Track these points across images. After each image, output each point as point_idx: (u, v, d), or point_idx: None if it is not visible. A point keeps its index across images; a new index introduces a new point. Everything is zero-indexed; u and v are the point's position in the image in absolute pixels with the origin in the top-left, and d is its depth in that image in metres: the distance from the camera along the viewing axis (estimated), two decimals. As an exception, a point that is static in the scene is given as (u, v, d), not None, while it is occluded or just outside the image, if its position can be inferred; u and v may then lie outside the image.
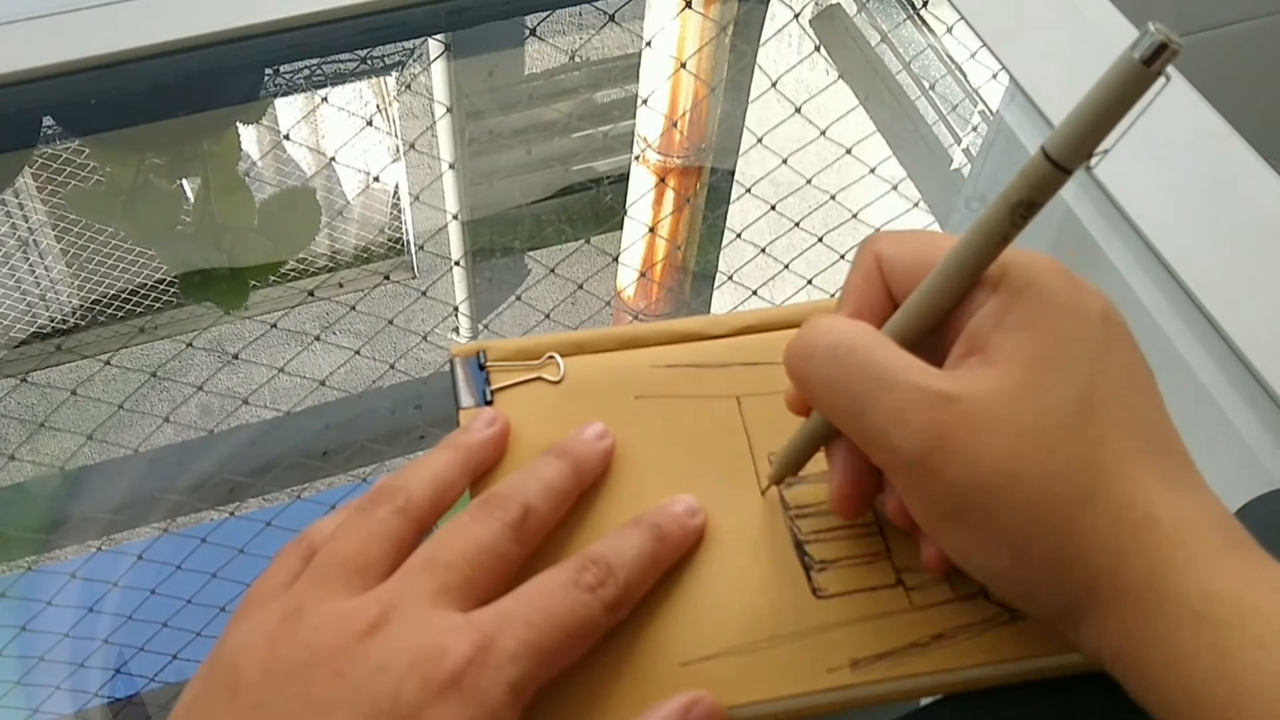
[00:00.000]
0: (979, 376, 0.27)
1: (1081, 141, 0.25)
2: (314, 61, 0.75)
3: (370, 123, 0.87)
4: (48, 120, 0.70)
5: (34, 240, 0.88)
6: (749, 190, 0.83)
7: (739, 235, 0.87)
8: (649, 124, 0.95)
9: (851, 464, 0.30)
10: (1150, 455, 0.27)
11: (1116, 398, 0.27)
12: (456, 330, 0.90)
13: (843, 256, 0.79)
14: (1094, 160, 0.25)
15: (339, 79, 0.78)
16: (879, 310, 0.30)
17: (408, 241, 1.00)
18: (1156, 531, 0.26)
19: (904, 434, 0.27)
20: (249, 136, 0.85)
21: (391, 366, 0.81)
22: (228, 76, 0.67)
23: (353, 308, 0.79)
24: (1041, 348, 0.27)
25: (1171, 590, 0.25)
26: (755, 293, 0.83)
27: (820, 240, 0.79)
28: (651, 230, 0.99)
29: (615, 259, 0.97)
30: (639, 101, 0.96)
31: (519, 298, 0.90)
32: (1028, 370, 0.27)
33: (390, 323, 0.79)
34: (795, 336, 0.29)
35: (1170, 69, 0.24)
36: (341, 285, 0.96)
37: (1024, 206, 0.26)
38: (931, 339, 0.29)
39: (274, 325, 0.81)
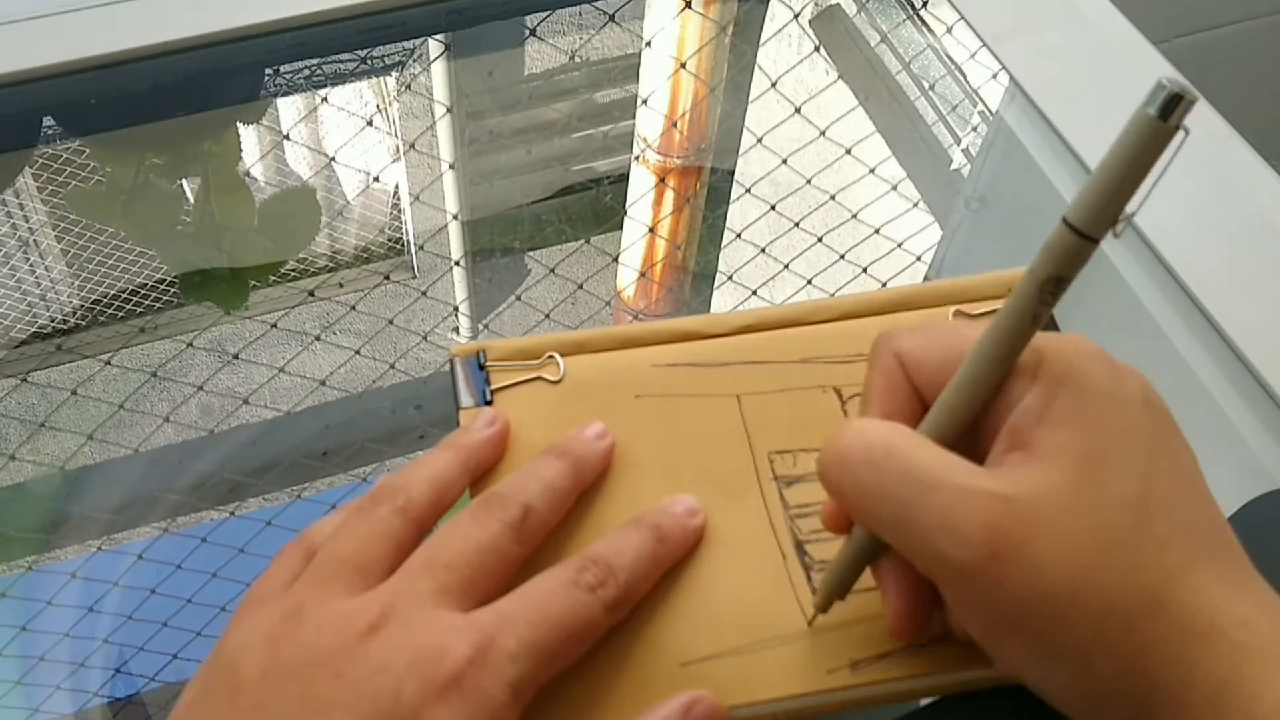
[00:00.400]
0: (1029, 475, 0.26)
1: (1105, 207, 0.24)
2: (314, 61, 0.75)
3: (370, 123, 0.87)
4: (48, 120, 0.70)
5: (34, 240, 0.88)
6: (749, 190, 0.83)
7: (739, 235, 0.87)
8: (649, 124, 0.95)
9: (905, 582, 0.29)
10: (1210, 556, 0.26)
11: (1171, 494, 0.26)
12: (456, 330, 0.90)
13: (842, 256, 0.80)
14: (1119, 226, 0.24)
15: (339, 79, 0.78)
16: (908, 412, 0.29)
17: (408, 241, 1.00)
18: (1224, 641, 0.25)
19: (954, 541, 0.25)
20: (249, 136, 0.86)
21: (391, 366, 0.81)
22: (228, 76, 0.67)
23: (353, 308, 0.79)
24: (1092, 443, 0.26)
25: (1241, 701, 0.24)
26: (755, 293, 0.83)
27: (820, 240, 0.79)
28: (651, 230, 0.99)
29: (615, 259, 0.97)
30: (639, 101, 0.96)
31: (519, 298, 0.90)
32: (1081, 468, 0.25)
33: (390, 323, 0.79)
34: (826, 443, 0.28)
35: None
36: (341, 285, 0.96)
37: (1053, 283, 0.25)
38: (969, 439, 0.28)
39: (274, 325, 0.81)
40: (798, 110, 0.76)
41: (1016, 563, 0.25)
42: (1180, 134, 0.23)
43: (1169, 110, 0.23)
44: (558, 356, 0.36)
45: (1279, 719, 0.24)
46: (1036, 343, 0.27)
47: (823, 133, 0.75)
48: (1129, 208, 0.24)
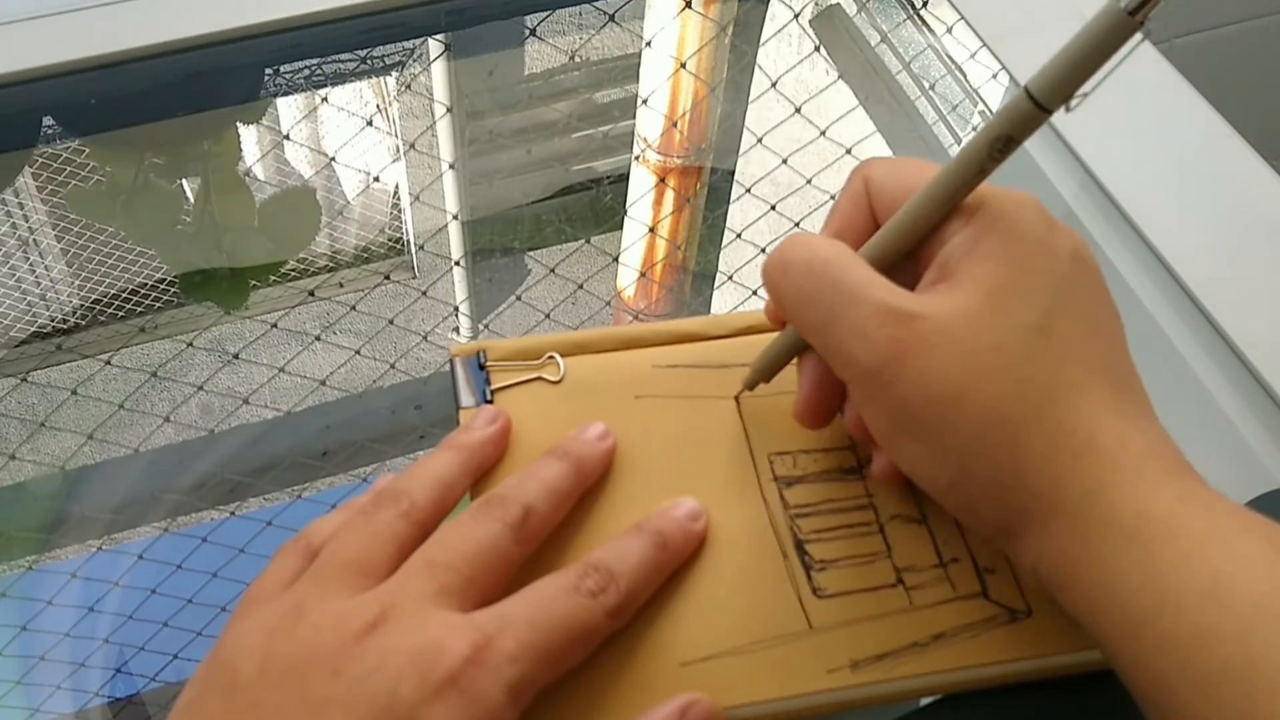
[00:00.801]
0: (942, 298, 0.28)
1: (1063, 83, 0.26)
2: (314, 61, 0.75)
3: (370, 123, 0.87)
4: (48, 120, 0.70)
5: (34, 240, 0.88)
6: (749, 190, 0.83)
7: (739, 235, 0.87)
8: (649, 124, 0.95)
9: (818, 377, 0.32)
10: (1102, 386, 0.28)
11: (1076, 331, 0.28)
12: (456, 330, 0.90)
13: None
14: (1073, 103, 0.26)
15: (339, 79, 0.78)
16: (861, 233, 0.31)
17: (408, 241, 1.00)
18: (1096, 454, 0.26)
19: (864, 348, 0.28)
20: (249, 136, 0.85)
21: (392, 366, 0.81)
22: (228, 76, 0.67)
23: (353, 308, 0.79)
24: (1007, 275, 0.28)
25: (1105, 510, 0.26)
26: (755, 293, 0.83)
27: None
28: (651, 230, 0.99)
29: (615, 259, 0.97)
30: (639, 101, 0.96)
31: (519, 298, 0.90)
32: (990, 295, 0.28)
33: (390, 323, 0.79)
34: (775, 250, 0.30)
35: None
36: (342, 285, 0.96)
37: (1002, 141, 0.27)
38: (908, 266, 0.30)
39: (274, 325, 0.81)
40: (798, 110, 0.76)
41: (912, 368, 0.27)
42: (1139, 34, 0.25)
43: (1138, 8, 0.25)
44: (558, 357, 0.36)
45: (1137, 527, 0.25)
46: (980, 190, 0.29)
47: (823, 133, 0.75)
48: (1083, 89, 0.26)
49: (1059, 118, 0.57)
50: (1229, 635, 0.24)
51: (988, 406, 0.27)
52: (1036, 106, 0.26)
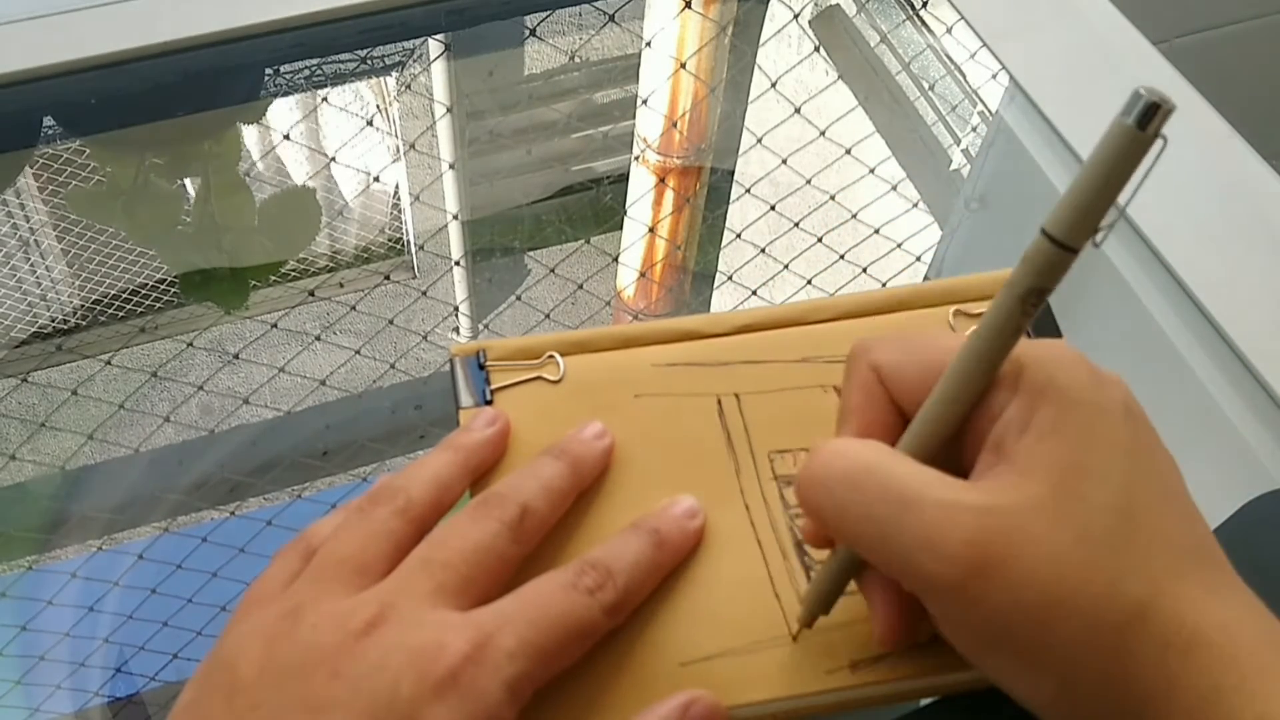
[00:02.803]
0: (1009, 488, 0.25)
1: (1084, 218, 0.24)
2: (314, 61, 0.75)
3: (370, 123, 0.87)
4: (48, 120, 0.70)
5: (34, 240, 0.88)
6: (749, 190, 0.83)
7: (739, 235, 0.87)
8: (649, 124, 0.95)
9: (889, 594, 0.28)
10: (1194, 565, 0.26)
11: (1153, 504, 0.26)
12: (456, 330, 0.90)
13: (842, 256, 0.79)
14: (1099, 236, 0.24)
15: (339, 79, 0.78)
16: (887, 426, 0.28)
17: (408, 241, 1.00)
18: (1207, 651, 0.24)
19: (935, 558, 0.25)
20: (249, 136, 0.86)
21: (391, 366, 0.81)
22: (228, 76, 0.67)
23: (353, 308, 0.79)
24: (1073, 454, 0.25)
25: (1225, 714, 0.24)
26: (755, 292, 0.83)
27: (820, 240, 0.79)
28: (651, 230, 0.99)
29: (615, 259, 0.97)
30: (639, 101, 0.96)
31: (519, 298, 0.90)
32: (1062, 479, 0.25)
33: (390, 323, 0.79)
34: (804, 465, 0.27)
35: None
36: (342, 285, 0.96)
37: (1034, 294, 0.25)
38: (952, 454, 0.27)
39: (274, 325, 0.81)
40: (798, 110, 0.76)
41: (999, 577, 0.24)
42: (1159, 143, 0.23)
43: (1147, 119, 0.22)
44: (557, 356, 0.36)
45: None
46: (1017, 353, 0.26)
47: (823, 133, 0.75)
48: (1108, 218, 0.24)
49: (1058, 117, 0.57)
50: None
51: (1087, 613, 0.24)
52: (1060, 248, 0.24)
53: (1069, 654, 0.25)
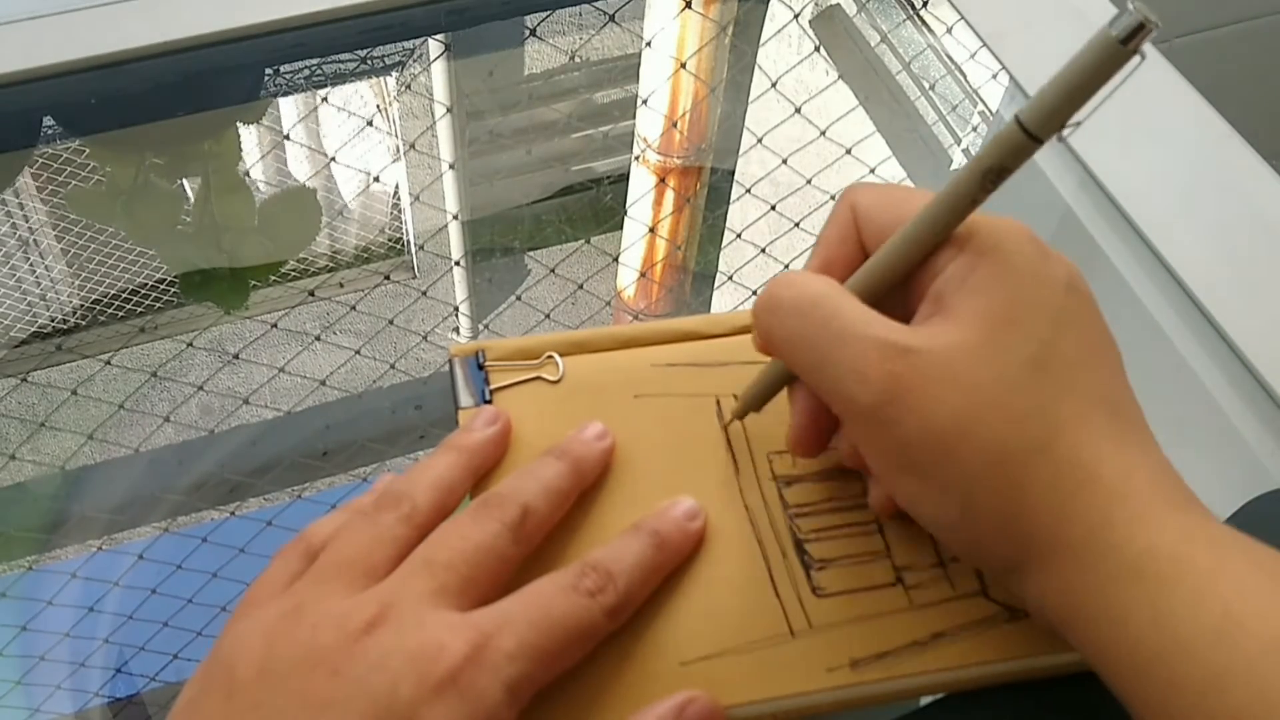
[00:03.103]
0: (938, 333, 0.27)
1: (1055, 112, 0.25)
2: (314, 61, 0.75)
3: (370, 123, 0.87)
4: (48, 120, 0.70)
5: (34, 240, 0.88)
6: (749, 190, 0.83)
7: (739, 235, 0.87)
8: (649, 124, 0.95)
9: (810, 406, 0.31)
10: (1102, 417, 0.27)
11: (1073, 361, 0.27)
12: (456, 330, 0.90)
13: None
14: (1066, 131, 0.26)
15: (339, 79, 0.78)
16: (850, 263, 0.31)
17: (408, 241, 1.00)
18: (1100, 489, 0.26)
19: (860, 386, 0.27)
20: (249, 136, 0.86)
21: (391, 366, 0.81)
22: (228, 76, 0.67)
23: (353, 308, 0.79)
24: (1002, 308, 0.27)
25: (1111, 546, 0.26)
26: (755, 293, 0.83)
27: (820, 240, 0.79)
28: (651, 230, 0.99)
29: (615, 259, 0.97)
30: (639, 101, 0.96)
31: (519, 298, 0.90)
32: (987, 328, 0.27)
33: (390, 323, 0.79)
34: (763, 289, 0.30)
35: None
36: (342, 285, 0.96)
37: (994, 172, 0.27)
38: (899, 298, 0.30)
39: (274, 325, 0.81)
40: (798, 110, 0.76)
41: (912, 405, 0.27)
42: (1135, 59, 0.24)
43: (1131, 36, 0.24)
44: (557, 356, 0.36)
45: (1144, 563, 0.25)
46: (973, 220, 0.28)
47: (823, 133, 0.75)
48: (1076, 118, 0.26)
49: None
50: (1241, 677, 0.23)
51: (990, 443, 0.26)
52: (1028, 136, 0.26)
53: (968, 481, 0.27)
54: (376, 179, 0.94)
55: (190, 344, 0.80)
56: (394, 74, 0.84)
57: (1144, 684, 0.25)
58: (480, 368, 0.35)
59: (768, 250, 0.80)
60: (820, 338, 0.28)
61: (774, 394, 0.33)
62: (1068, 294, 0.28)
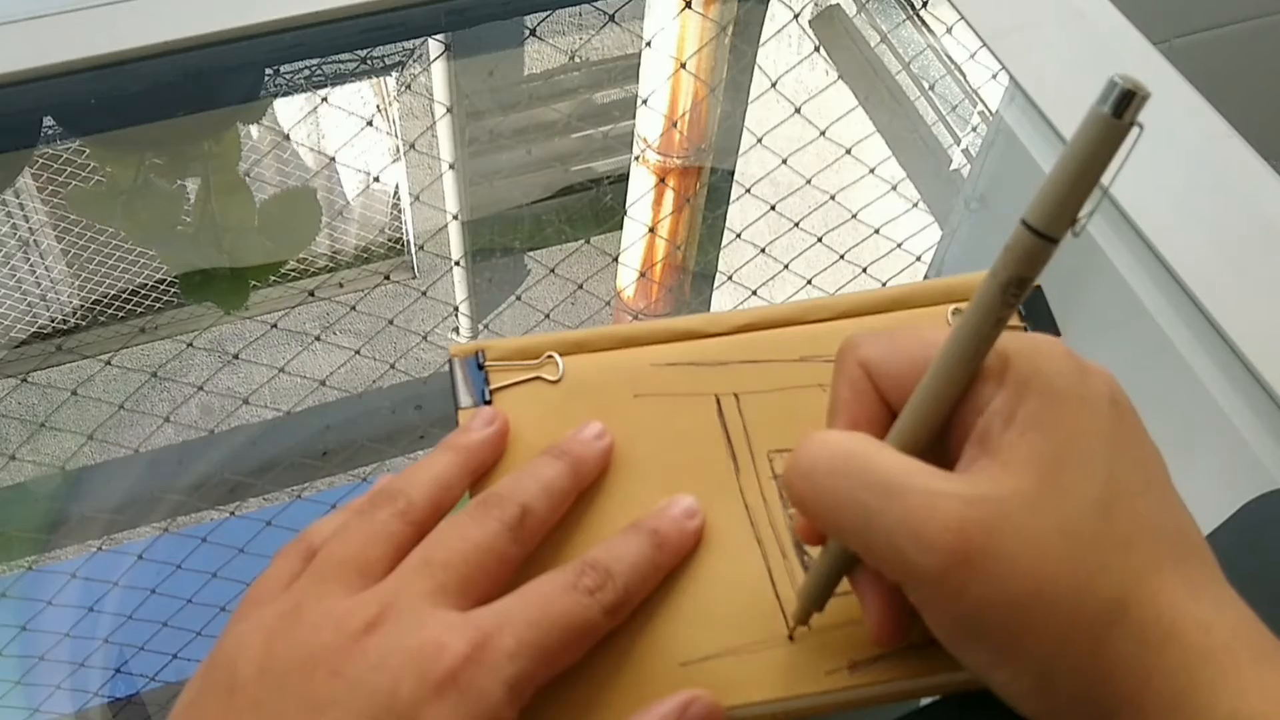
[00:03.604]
0: (993, 479, 0.25)
1: (1063, 207, 0.24)
2: (314, 61, 0.75)
3: (370, 123, 0.87)
4: (48, 120, 0.70)
5: (34, 240, 0.88)
6: (749, 190, 0.83)
7: (739, 235, 0.87)
8: (649, 124, 0.95)
9: (881, 590, 0.28)
10: (1175, 560, 0.26)
11: (1136, 495, 0.26)
12: (456, 330, 0.90)
13: (842, 256, 0.79)
14: (1078, 225, 0.24)
15: (339, 79, 0.78)
16: (874, 420, 0.29)
17: (408, 241, 1.00)
18: (1182, 648, 0.25)
19: (918, 547, 0.25)
20: (249, 136, 0.86)
21: (391, 366, 0.81)
22: (228, 76, 0.67)
23: (353, 308, 0.79)
24: (1056, 446, 0.25)
25: (1197, 711, 0.24)
26: (755, 293, 0.83)
27: (820, 240, 0.79)
28: (651, 230, 0.99)
29: (615, 259, 0.97)
30: (639, 101, 0.96)
31: (519, 298, 0.90)
32: (1045, 470, 0.25)
33: (390, 323, 0.79)
34: (791, 456, 0.28)
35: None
36: (342, 285, 0.96)
37: (1015, 284, 0.25)
38: (937, 449, 0.27)
39: (274, 325, 0.81)
40: (798, 110, 0.76)
41: (980, 568, 0.25)
42: (1135, 130, 0.23)
43: (1122, 107, 0.22)
44: (557, 356, 0.36)
45: None
46: (1002, 345, 0.26)
47: (823, 133, 0.75)
48: (1087, 206, 0.24)
49: (1058, 117, 0.57)
50: None
51: (1065, 608, 0.24)
52: (1040, 238, 0.24)
53: (1048, 647, 0.25)
54: (376, 179, 0.94)
55: (190, 344, 0.80)
56: (394, 74, 0.84)
57: None
58: (480, 368, 0.35)
59: (767, 250, 0.80)
60: (864, 496, 0.26)
61: (835, 585, 0.30)
62: (1113, 412, 0.26)
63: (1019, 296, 0.25)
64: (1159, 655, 0.25)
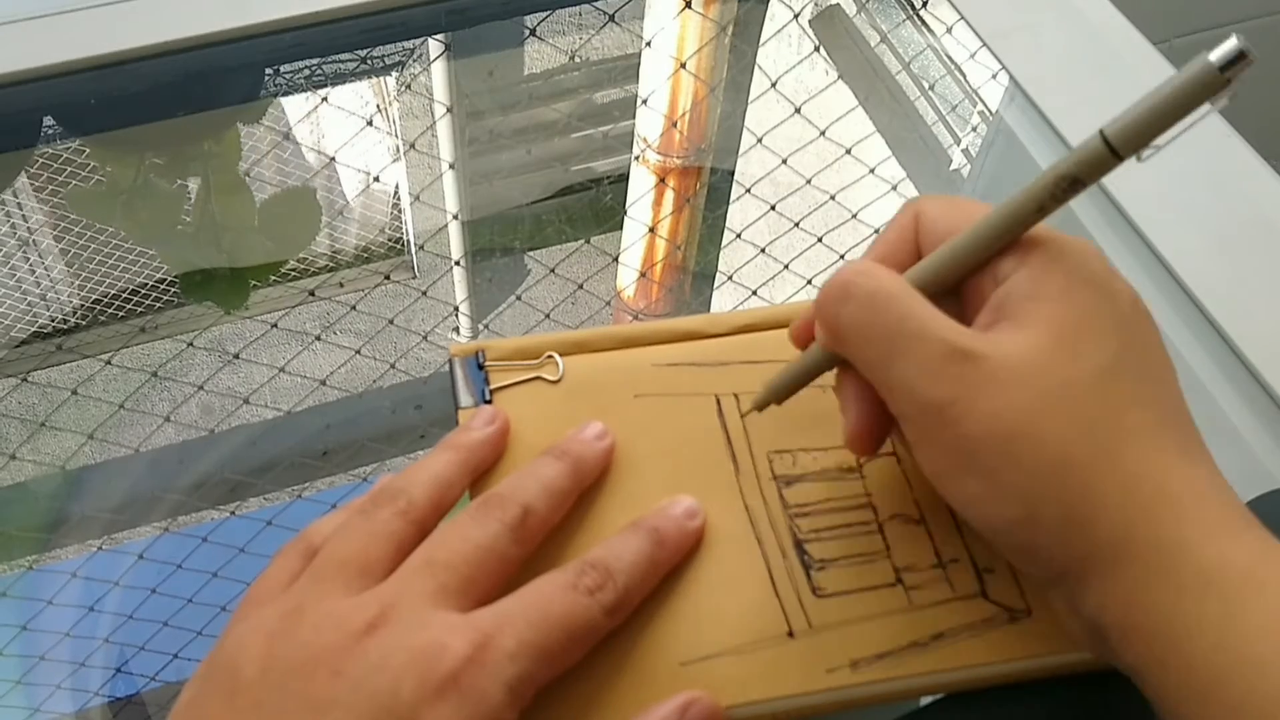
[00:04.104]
0: (1011, 339, 0.27)
1: (1141, 130, 0.25)
2: (314, 61, 0.75)
3: (370, 123, 0.87)
4: (48, 120, 0.70)
5: (34, 240, 0.88)
6: (749, 190, 0.83)
7: (739, 235, 0.87)
8: (649, 124, 0.95)
9: (867, 404, 0.30)
10: (1169, 431, 0.27)
11: (1140, 375, 0.27)
12: (456, 330, 0.90)
13: (842, 256, 0.79)
14: (1146, 153, 0.26)
15: (339, 79, 0.78)
16: (903, 265, 0.30)
17: (408, 241, 1.00)
18: (1172, 500, 0.26)
19: (929, 384, 0.27)
20: (249, 136, 0.86)
21: (392, 366, 0.81)
22: (228, 76, 0.67)
23: (353, 308, 0.79)
24: (1076, 316, 0.27)
25: (1182, 558, 0.25)
26: (755, 293, 0.83)
27: (820, 240, 0.79)
28: (651, 230, 0.99)
29: (615, 259, 0.97)
30: (639, 101, 0.96)
31: (519, 298, 0.90)
32: (1059, 335, 0.27)
33: (390, 323, 0.79)
34: (832, 279, 0.29)
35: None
36: (342, 285, 0.96)
37: (1068, 181, 0.27)
38: (951, 305, 0.29)
39: (274, 325, 0.81)
40: (798, 110, 0.76)
41: (980, 405, 0.27)
42: (1229, 89, 0.25)
43: (1229, 63, 0.24)
44: (557, 356, 0.36)
45: (1217, 577, 0.25)
46: (1040, 231, 0.28)
47: (823, 133, 0.75)
48: (1159, 140, 0.26)
49: (1058, 117, 0.57)
50: None
51: (1056, 446, 0.26)
52: (1110, 151, 0.26)
53: (1031, 483, 0.26)
54: (376, 179, 0.94)
55: (190, 344, 0.80)
56: (394, 74, 0.84)
57: (1203, 703, 0.24)
58: (480, 367, 0.35)
59: (767, 250, 0.80)
60: (893, 333, 0.28)
61: (804, 385, 0.32)
62: (1132, 312, 0.28)
63: (1068, 193, 0.27)
64: (1149, 504, 0.26)
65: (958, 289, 0.30)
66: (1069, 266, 0.28)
